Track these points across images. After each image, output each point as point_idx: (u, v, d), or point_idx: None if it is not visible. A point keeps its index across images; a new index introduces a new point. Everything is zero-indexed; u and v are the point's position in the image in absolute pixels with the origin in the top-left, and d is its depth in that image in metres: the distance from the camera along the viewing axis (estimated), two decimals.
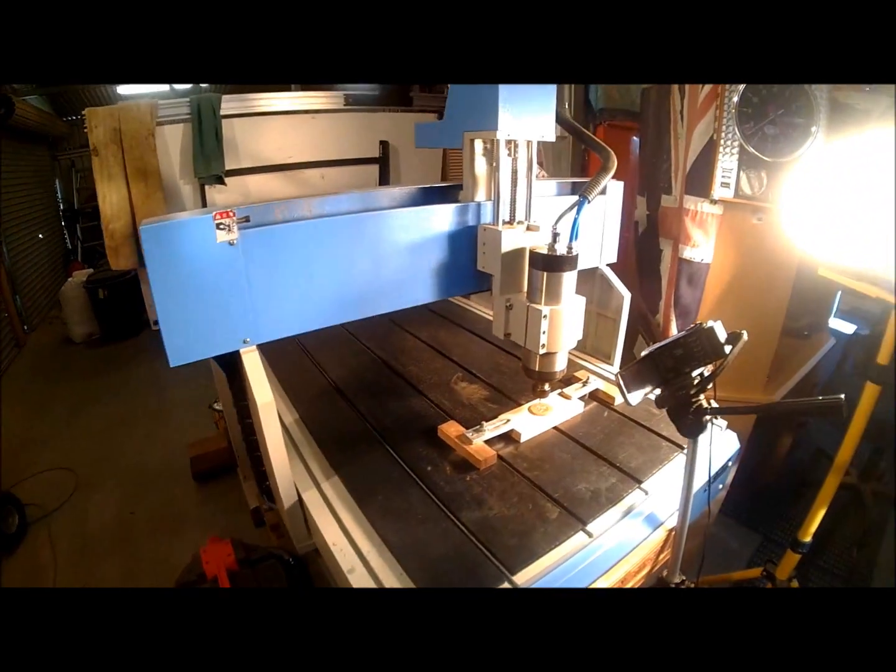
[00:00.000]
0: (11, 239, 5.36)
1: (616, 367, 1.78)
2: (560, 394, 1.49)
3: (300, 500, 1.22)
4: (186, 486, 2.97)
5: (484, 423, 1.31)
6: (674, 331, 2.08)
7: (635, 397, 1.03)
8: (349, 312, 1.25)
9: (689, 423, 1.04)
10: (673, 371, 1.05)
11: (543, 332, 1.20)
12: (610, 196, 1.65)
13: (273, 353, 1.84)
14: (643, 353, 1.07)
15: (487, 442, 1.30)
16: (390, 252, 1.25)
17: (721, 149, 1.83)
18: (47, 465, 3.20)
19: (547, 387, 1.34)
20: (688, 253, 1.98)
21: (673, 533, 1.22)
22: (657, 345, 1.06)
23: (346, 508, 1.16)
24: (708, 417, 1.04)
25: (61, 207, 7.20)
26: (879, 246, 1.38)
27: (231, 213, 1.02)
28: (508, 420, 1.35)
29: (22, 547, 2.61)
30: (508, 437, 1.35)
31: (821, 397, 0.89)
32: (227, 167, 2.52)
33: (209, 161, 2.46)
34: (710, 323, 1.02)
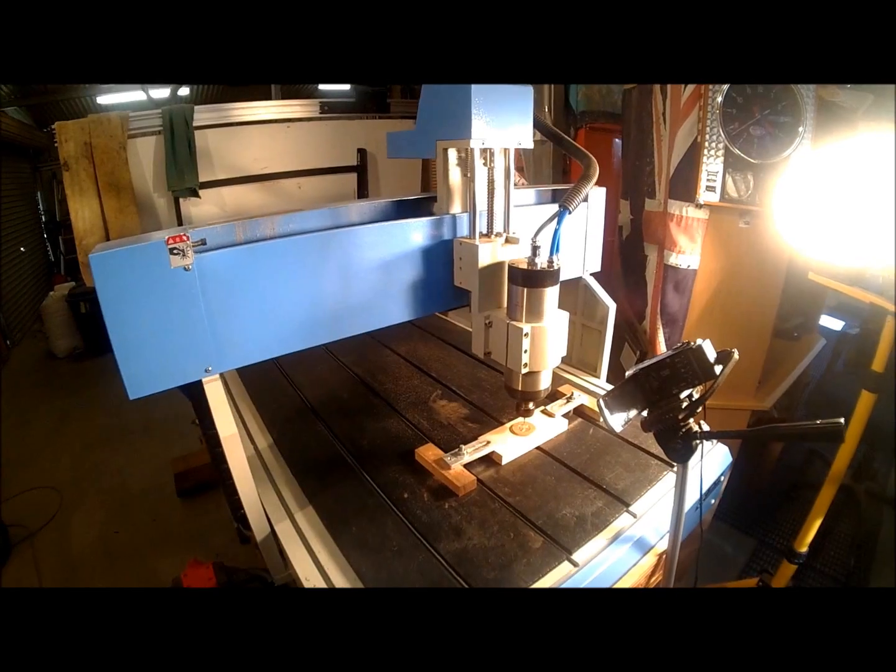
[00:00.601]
0: None
1: (603, 380, 1.74)
2: (543, 411, 1.44)
3: (273, 531, 1.16)
4: (171, 503, 2.91)
5: (463, 447, 1.25)
6: (661, 339, 2.04)
7: (618, 422, 0.98)
8: (318, 336, 1.19)
9: (678, 448, 0.99)
10: (659, 393, 0.99)
11: (525, 351, 1.15)
12: (592, 203, 1.60)
13: (248, 370, 1.79)
14: (627, 374, 1.02)
15: (467, 465, 1.24)
16: (361, 271, 1.19)
17: (706, 151, 1.78)
18: (31, 483, 3.14)
19: (531, 405, 1.29)
20: (673, 259, 1.94)
21: (664, 556, 1.17)
22: (641, 365, 1.00)
23: (320, 540, 1.10)
24: (697, 441, 0.99)
25: (43, 219, 7.10)
26: (875, 249, 1.34)
27: (185, 237, 0.96)
28: (489, 442, 1.30)
29: (5, 568, 2.54)
30: (489, 460, 1.29)
31: (819, 421, 0.84)
32: (202, 179, 2.46)
33: (182, 173, 2.40)
34: (698, 342, 0.96)
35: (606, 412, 0.98)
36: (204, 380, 1.09)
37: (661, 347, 2.04)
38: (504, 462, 1.28)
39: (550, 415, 1.43)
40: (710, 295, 2.01)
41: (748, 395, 2.17)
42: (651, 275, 2.12)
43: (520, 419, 1.37)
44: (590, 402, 1.50)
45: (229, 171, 2.55)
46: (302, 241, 1.11)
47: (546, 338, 1.15)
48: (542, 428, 1.38)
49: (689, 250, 1.92)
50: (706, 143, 1.77)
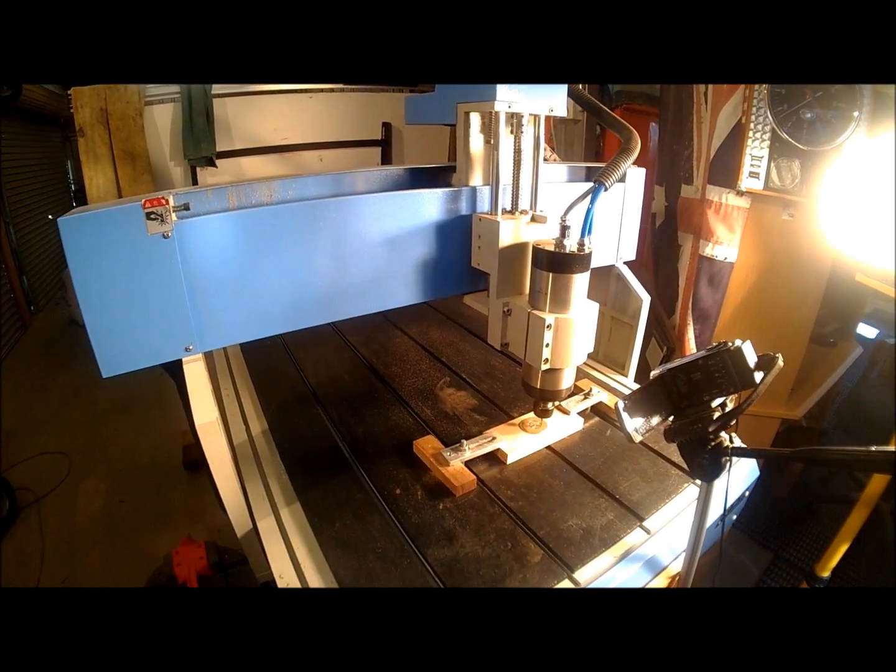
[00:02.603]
0: (19, 220, 5.29)
1: (630, 379, 1.61)
2: (557, 407, 1.33)
3: (255, 527, 1.07)
4: (178, 476, 2.88)
5: (465, 442, 1.15)
6: (690, 336, 1.90)
7: (637, 429, 0.86)
8: (315, 316, 1.09)
9: (705, 464, 0.87)
10: (687, 399, 0.87)
11: (547, 345, 1.02)
12: (630, 184, 1.45)
13: (251, 346, 1.72)
14: (652, 374, 0.91)
15: (469, 463, 1.15)
16: (364, 245, 1.08)
17: (750, 134, 1.63)
18: (42, 448, 3.14)
19: (551, 405, 1.17)
20: (709, 250, 1.79)
21: (677, 578, 1.06)
22: (669, 365, 0.88)
23: (301, 536, 1.01)
24: (727, 458, 0.87)
25: (72, 188, 7.14)
26: None
27: (164, 201, 0.86)
28: (494, 437, 1.19)
29: (12, 531, 2.55)
30: (493, 458, 1.19)
31: (874, 447, 0.71)
32: (219, 148, 2.39)
33: (199, 142, 2.33)
34: (737, 343, 0.84)
35: (625, 417, 0.86)
36: (184, 360, 1.00)
37: (691, 345, 1.90)
38: (509, 461, 1.18)
39: (565, 412, 1.32)
40: (745, 292, 1.86)
41: (779, 402, 2.02)
42: (684, 266, 1.98)
43: (532, 414, 1.26)
44: (609, 399, 1.39)
45: (248, 142, 2.47)
46: (297, 209, 1.01)
47: (572, 331, 1.03)
48: (555, 425, 1.27)
49: (726, 241, 1.77)
50: (751, 126, 1.62)
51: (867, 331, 3.31)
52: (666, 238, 2.15)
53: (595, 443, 1.27)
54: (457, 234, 1.19)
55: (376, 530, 1.00)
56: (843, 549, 1.59)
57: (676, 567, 1.05)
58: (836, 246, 1.48)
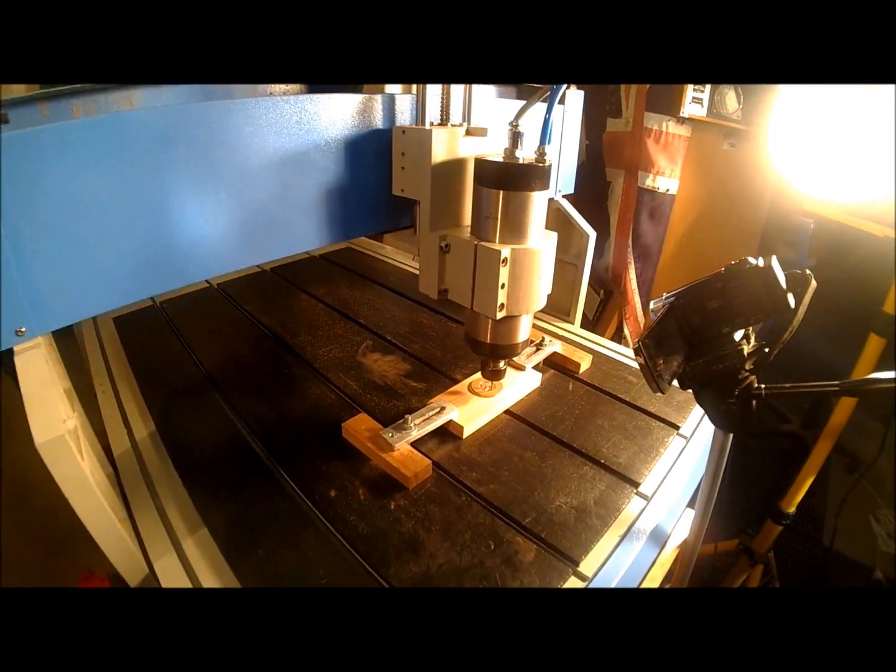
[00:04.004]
0: None
1: (577, 326, 1.42)
2: (508, 363, 1.10)
3: (153, 572, 0.74)
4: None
5: (408, 417, 0.89)
6: (631, 276, 1.74)
7: (664, 376, 0.65)
8: (186, 272, 0.77)
9: (733, 411, 0.67)
10: (700, 334, 0.67)
11: (502, 286, 0.78)
12: (569, 107, 1.24)
13: (128, 325, 1.38)
14: (657, 305, 0.69)
15: (416, 443, 0.89)
16: (244, 171, 0.78)
17: None
18: None
19: (503, 364, 0.94)
20: (650, 182, 1.64)
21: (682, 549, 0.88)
22: (679, 290, 0.68)
23: (215, 574, 0.70)
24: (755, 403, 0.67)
25: None
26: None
27: None
28: (443, 408, 0.94)
29: None
30: (445, 432, 0.94)
31: None
32: None
33: None
34: (758, 261, 0.64)
35: (651, 364, 0.65)
36: (16, 349, 0.66)
37: (632, 285, 1.75)
38: (466, 434, 0.93)
39: (519, 367, 1.09)
40: (687, 226, 1.73)
41: None
42: (615, 204, 1.82)
43: (479, 376, 1.02)
44: (563, 349, 1.18)
45: None
46: (147, 118, 0.68)
47: (534, 266, 0.79)
48: (511, 385, 1.04)
49: (668, 171, 1.63)
50: None
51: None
52: (590, 178, 1.99)
53: (559, 400, 1.05)
54: (371, 154, 0.91)
55: (313, 551, 0.72)
56: (808, 483, 1.53)
57: (677, 535, 0.87)
58: (785, 177, 1.38)
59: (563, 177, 1.32)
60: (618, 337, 1.88)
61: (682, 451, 0.96)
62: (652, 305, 0.71)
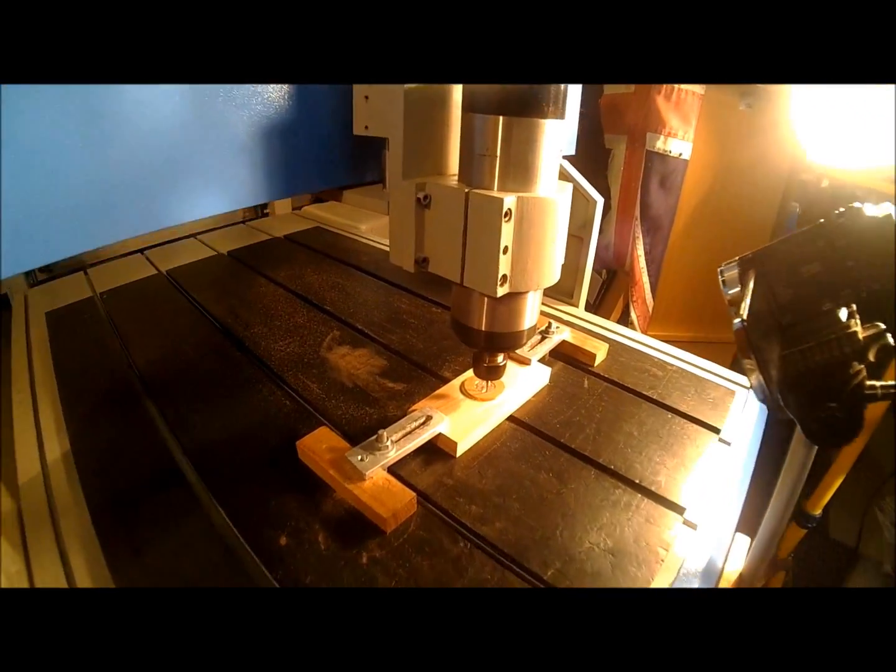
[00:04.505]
0: None
1: (582, 310, 1.21)
2: (510, 354, 0.89)
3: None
4: None
5: (382, 433, 0.66)
6: (640, 252, 1.53)
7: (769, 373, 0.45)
8: (74, 235, 0.54)
9: (835, 419, 0.46)
10: (789, 312, 0.48)
11: (504, 251, 0.57)
12: None
13: (62, 320, 1.15)
14: (731, 268, 0.50)
15: (395, 467, 0.67)
16: (141, 106, 0.55)
17: None
18: None
19: (502, 359, 0.73)
20: (661, 144, 1.43)
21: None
22: (758, 250, 0.49)
23: None
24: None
25: None
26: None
27: None
28: (429, 418, 0.72)
29: None
30: (433, 449, 0.72)
31: None
32: None
33: None
34: (875, 208, 0.46)
35: (757, 352, 0.45)
36: None
37: (640, 264, 1.54)
38: (460, 451, 0.71)
39: (524, 361, 0.88)
40: (700, 196, 1.53)
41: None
42: (616, 174, 1.61)
43: (472, 373, 0.81)
44: (572, 337, 0.97)
45: None
46: None
47: (548, 222, 0.58)
48: (514, 384, 0.82)
49: (682, 133, 1.42)
50: None
51: None
52: (586, 149, 1.79)
53: (574, 401, 0.84)
54: (321, 87, 0.70)
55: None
56: (837, 483, 1.37)
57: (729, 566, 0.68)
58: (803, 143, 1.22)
59: (566, 135, 1.10)
60: (623, 322, 1.68)
61: (726, 462, 0.76)
62: (723, 271, 0.52)
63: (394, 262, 0.67)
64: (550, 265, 0.62)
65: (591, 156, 1.72)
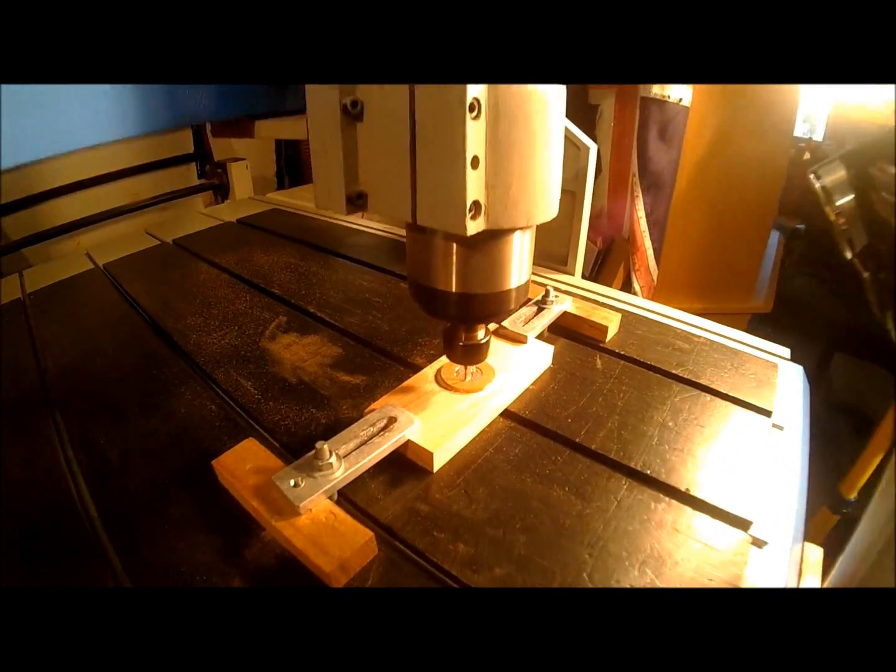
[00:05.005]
0: None
1: (578, 278, 1.02)
2: (499, 331, 0.70)
3: None
4: None
5: (324, 445, 0.46)
6: (640, 214, 1.35)
7: None
8: None
9: None
10: None
11: (474, 162, 0.37)
12: None
13: None
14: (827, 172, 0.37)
15: (346, 492, 0.48)
16: None
17: None
18: None
19: (482, 334, 0.54)
20: (658, 89, 1.24)
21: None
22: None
23: None
24: None
25: None
26: None
27: None
28: (392, 418, 0.53)
29: None
30: (400, 463, 0.53)
31: None
32: None
33: None
34: None
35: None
36: None
37: (641, 226, 1.35)
38: (438, 465, 0.52)
39: (518, 339, 0.69)
40: (704, 148, 1.34)
41: (747, 293, 1.57)
42: (605, 134, 1.43)
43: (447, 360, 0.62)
44: (577, 308, 0.78)
45: None
46: None
47: (534, 119, 0.39)
48: (508, 367, 0.63)
49: None
50: None
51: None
52: (569, 108, 1.61)
53: (586, 386, 0.65)
54: None
55: None
56: (874, 463, 1.21)
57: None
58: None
59: None
60: None
61: (784, 453, 0.58)
62: (819, 174, 0.35)
63: (320, 207, 0.47)
64: (544, 188, 0.43)
65: (575, 116, 1.53)
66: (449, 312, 0.49)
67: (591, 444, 0.55)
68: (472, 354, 0.55)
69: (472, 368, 0.60)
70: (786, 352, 0.78)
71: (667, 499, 0.49)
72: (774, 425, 0.61)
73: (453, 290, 0.47)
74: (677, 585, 0.41)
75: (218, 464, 0.49)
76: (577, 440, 0.55)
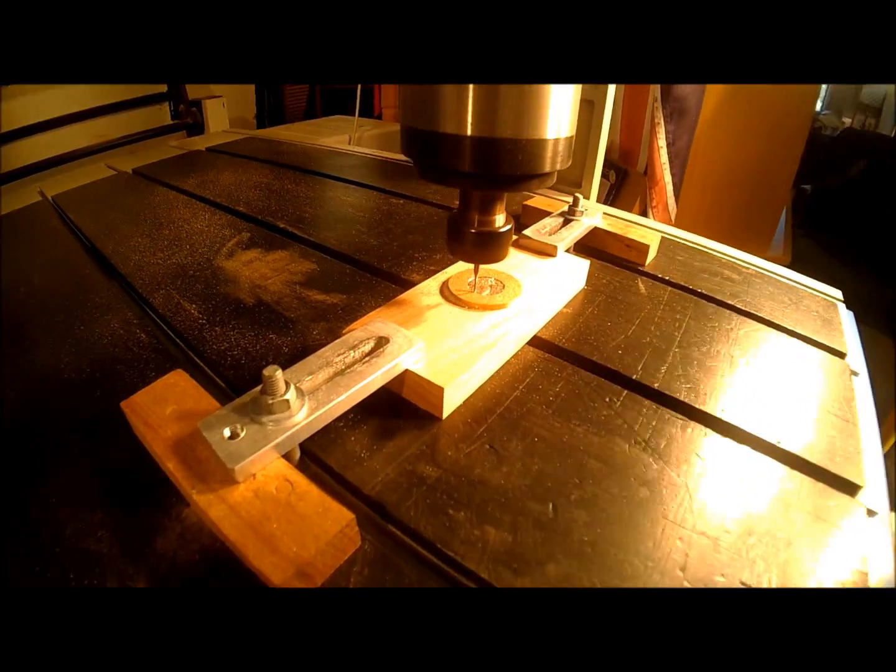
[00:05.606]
0: None
1: (593, 202, 0.88)
2: (521, 241, 0.55)
3: None
4: None
5: (276, 372, 0.30)
6: (661, 143, 1.18)
7: None
8: None
9: None
10: None
11: None
12: None
13: None
14: None
15: (311, 448, 0.33)
16: None
17: None
18: None
19: (502, 219, 0.38)
20: None
21: None
22: None
23: None
24: None
25: None
26: None
27: None
28: (383, 340, 0.37)
29: None
30: (395, 404, 0.38)
31: None
32: None
33: None
34: None
35: None
36: None
37: (661, 157, 1.19)
38: (450, 408, 0.37)
39: (543, 251, 0.54)
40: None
41: (765, 243, 1.43)
42: None
43: (464, 271, 0.47)
44: (610, 224, 0.63)
45: None
46: None
47: None
48: (538, 284, 0.48)
49: None
50: None
51: None
52: None
53: (632, 312, 0.51)
54: None
55: None
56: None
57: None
58: None
59: None
60: None
61: (865, 401, 0.46)
62: None
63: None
64: None
65: None
66: (459, 168, 0.33)
67: (653, 381, 0.41)
68: (487, 247, 0.39)
69: (490, 279, 0.45)
70: (838, 293, 0.65)
71: (762, 454, 0.35)
72: (852, 371, 0.48)
73: (468, 132, 0.31)
74: (798, 577, 0.28)
75: (128, 406, 0.34)
76: (635, 377, 0.41)
